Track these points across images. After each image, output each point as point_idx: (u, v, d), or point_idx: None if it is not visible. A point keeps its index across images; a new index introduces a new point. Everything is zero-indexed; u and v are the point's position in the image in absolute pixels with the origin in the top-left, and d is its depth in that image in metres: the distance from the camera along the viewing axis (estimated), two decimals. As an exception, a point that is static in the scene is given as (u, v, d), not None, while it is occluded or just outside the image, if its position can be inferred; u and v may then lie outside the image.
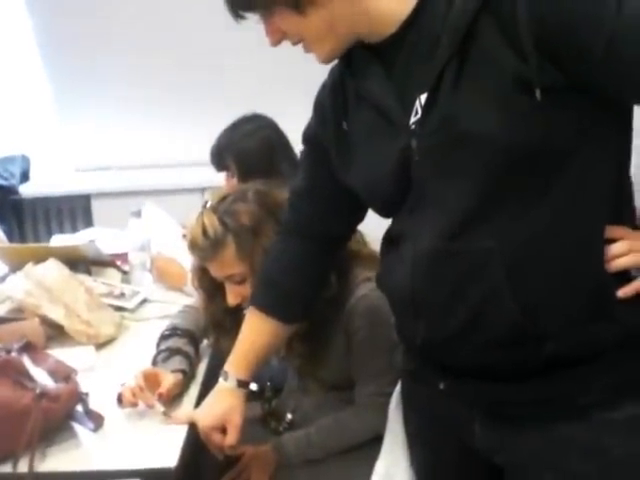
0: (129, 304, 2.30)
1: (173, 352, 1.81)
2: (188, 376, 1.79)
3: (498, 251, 1.10)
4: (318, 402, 1.84)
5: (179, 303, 2.25)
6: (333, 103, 1.31)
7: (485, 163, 1.08)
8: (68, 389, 1.58)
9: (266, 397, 1.99)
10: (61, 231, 4.05)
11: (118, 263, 2.56)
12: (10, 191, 4.01)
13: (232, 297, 1.72)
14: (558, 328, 1.12)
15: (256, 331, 1.56)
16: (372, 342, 1.71)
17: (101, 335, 2.07)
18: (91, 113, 4.02)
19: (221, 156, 2.44)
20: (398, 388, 1.54)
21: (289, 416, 1.88)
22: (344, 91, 1.29)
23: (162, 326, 2.03)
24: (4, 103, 4.05)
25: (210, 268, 1.71)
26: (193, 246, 1.69)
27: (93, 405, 1.68)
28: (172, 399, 1.71)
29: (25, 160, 4.16)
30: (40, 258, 2.27)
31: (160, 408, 1.65)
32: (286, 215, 1.53)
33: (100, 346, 2.06)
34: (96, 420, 1.63)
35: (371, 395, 1.74)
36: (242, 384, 1.58)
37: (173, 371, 1.74)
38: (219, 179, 2.51)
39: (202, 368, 1.90)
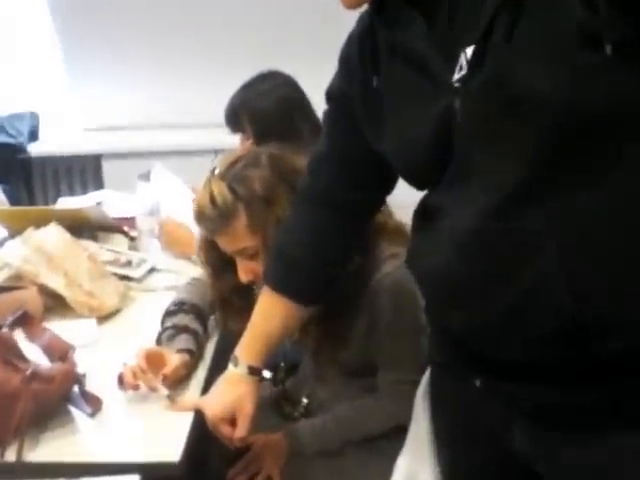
0: (135, 273, 2.16)
1: (179, 330, 1.66)
2: (195, 356, 1.64)
3: (551, 233, 0.94)
4: (335, 389, 1.70)
5: (188, 273, 2.11)
6: (361, 56, 1.15)
7: (540, 129, 0.92)
8: (63, 369, 1.44)
9: (279, 378, 1.84)
10: (71, 192, 3.91)
11: (126, 228, 2.41)
12: (18, 149, 3.86)
13: (243, 273, 1.56)
14: (619, 322, 0.96)
15: (270, 313, 1.41)
16: (398, 325, 1.56)
17: (104, 307, 1.93)
18: (102, 71, 3.88)
19: (236, 117, 2.28)
20: (426, 376, 1.40)
21: (305, 400, 1.74)
22: (374, 42, 1.12)
23: (170, 298, 1.88)
24: (14, 60, 3.90)
25: (219, 241, 1.56)
26: (200, 217, 1.53)
27: (93, 386, 1.55)
28: (178, 381, 1.57)
29: (34, 118, 4.00)
30: (42, 222, 2.12)
31: (164, 391, 1.51)
32: (304, 182, 1.37)
33: (103, 319, 1.92)
34: (93, 404, 1.49)
35: (395, 382, 1.59)
36: (254, 371, 1.44)
37: (179, 351, 1.60)
38: (234, 141, 2.35)
39: (211, 347, 1.75)
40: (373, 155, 1.19)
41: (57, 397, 1.44)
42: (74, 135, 4.07)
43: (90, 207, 2.34)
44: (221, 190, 1.50)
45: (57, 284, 1.91)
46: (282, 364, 1.83)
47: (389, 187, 1.32)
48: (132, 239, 2.37)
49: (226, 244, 1.55)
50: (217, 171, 1.53)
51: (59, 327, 1.78)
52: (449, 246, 1.04)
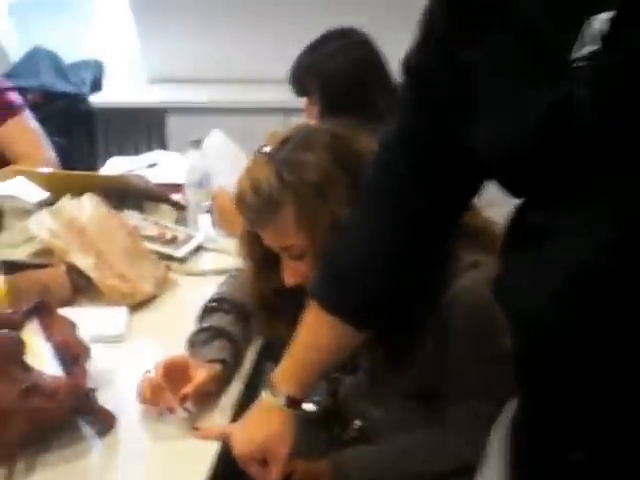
0: (178, 252, 1.91)
1: (215, 333, 1.42)
2: (229, 366, 1.39)
3: None
4: (391, 411, 1.42)
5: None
6: (450, 22, 0.86)
7: None
8: (68, 383, 1.20)
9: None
10: (135, 149, 3.70)
11: (176, 197, 2.17)
12: (80, 99, 3.64)
13: (289, 275, 1.30)
14: None
15: (317, 334, 1.15)
16: (474, 349, 1.28)
17: (137, 293, 1.70)
18: (171, 22, 3.65)
19: (302, 79, 2.00)
20: (506, 414, 1.13)
21: (358, 423, 1.47)
22: (468, 5, 0.83)
23: (217, 286, 1.64)
24: (82, 7, 3.70)
25: (262, 234, 1.29)
26: (240, 203, 1.27)
27: (113, 392, 1.34)
28: (204, 398, 1.32)
29: (98, 66, 3.78)
30: (83, 189, 1.90)
31: (183, 414, 1.27)
32: (370, 177, 1.09)
33: (136, 307, 1.68)
34: (105, 420, 1.26)
35: (466, 416, 1.31)
36: (293, 403, 1.19)
37: (210, 361, 1.35)
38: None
39: (251, 354, 1.50)
40: (458, 147, 0.91)
41: (59, 415, 1.21)
42: (139, 87, 3.85)
43: (134, 175, 2.10)
44: (267, 175, 1.23)
45: (86, 264, 1.68)
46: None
47: (476, 190, 1.04)
48: (181, 208, 2.13)
49: (270, 239, 1.29)
50: (264, 150, 1.26)
51: (85, 314, 1.56)
52: (560, 279, 0.76)
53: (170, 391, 1.27)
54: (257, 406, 1.21)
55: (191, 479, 1.17)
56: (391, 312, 1.13)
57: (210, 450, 1.23)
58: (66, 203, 1.81)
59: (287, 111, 3.28)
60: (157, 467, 1.22)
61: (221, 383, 1.36)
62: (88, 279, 1.68)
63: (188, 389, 1.27)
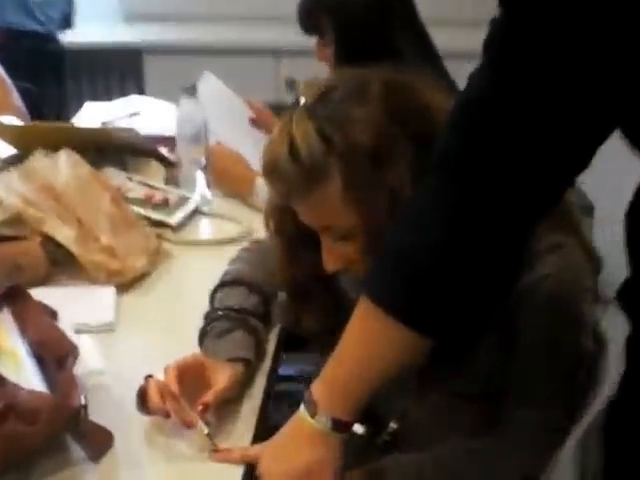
0: (172, 218, 1.64)
1: (234, 323, 1.17)
2: (252, 366, 1.15)
3: None
4: (438, 414, 1.18)
5: (245, 221, 1.61)
6: None
7: None
8: (53, 403, 0.94)
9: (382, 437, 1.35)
10: (108, 93, 3.40)
11: (163, 151, 1.89)
12: (47, 38, 3.32)
13: (331, 260, 1.04)
14: None
15: (377, 345, 0.90)
16: (550, 350, 1.05)
17: (127, 270, 1.43)
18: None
19: (313, 14, 1.72)
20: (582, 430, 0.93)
21: (393, 426, 1.23)
22: None
23: (220, 258, 1.38)
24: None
25: (298, 210, 1.03)
26: (272, 172, 1.01)
27: (107, 399, 1.10)
28: (223, 406, 1.07)
29: (68, 2, 3.45)
30: (57, 142, 1.61)
31: (203, 429, 1.02)
32: (445, 143, 0.83)
33: (126, 287, 1.42)
34: (98, 441, 1.01)
35: (535, 427, 1.08)
36: (341, 426, 0.94)
37: (230, 360, 1.10)
38: (300, 41, 1.81)
39: (271, 341, 1.25)
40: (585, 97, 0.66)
41: (40, 441, 0.95)
42: (113, 25, 3.58)
43: (120, 128, 1.81)
44: (307, 135, 0.97)
45: (66, 235, 1.41)
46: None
47: (590, 158, 0.78)
48: (170, 165, 1.85)
49: (308, 215, 1.03)
50: (302, 104, 0.99)
51: (65, 298, 1.30)
52: None
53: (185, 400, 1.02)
54: (292, 426, 0.97)
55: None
56: (472, 318, 0.88)
57: (235, 475, 0.99)
58: (39, 162, 1.53)
59: (277, 53, 3.03)
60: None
61: (243, 386, 1.11)
62: (68, 254, 1.41)
63: (209, 398, 1.03)
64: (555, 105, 0.73)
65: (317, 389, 0.94)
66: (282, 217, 1.08)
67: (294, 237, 1.09)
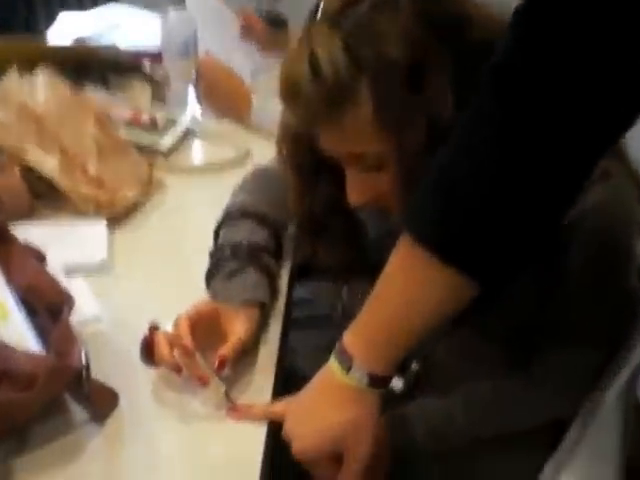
0: (162, 142, 1.51)
1: (245, 261, 1.05)
2: (268, 310, 1.04)
3: None
4: (466, 351, 1.08)
5: (241, 143, 1.48)
6: None
7: None
8: (51, 366, 0.83)
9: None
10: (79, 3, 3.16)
11: (148, 66, 1.74)
12: None
13: (355, 193, 0.92)
14: None
15: (420, 292, 0.79)
16: (596, 287, 0.95)
17: (118, 201, 1.31)
18: None
19: None
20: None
21: (415, 366, 1.13)
22: None
23: (218, 185, 1.26)
24: None
25: (320, 136, 0.90)
26: (291, 93, 0.87)
27: (107, 351, 0.98)
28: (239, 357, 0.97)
29: None
30: (30, 61, 1.46)
31: (220, 386, 0.91)
32: (503, 54, 0.70)
33: (116, 221, 1.29)
34: (102, 401, 0.90)
35: (571, 367, 0.99)
36: (379, 382, 0.84)
37: (244, 302, 0.99)
38: None
39: (284, 277, 1.14)
40: None
41: (38, 407, 0.84)
42: None
43: (102, 46, 1.66)
44: (331, 51, 0.83)
45: (49, 165, 1.28)
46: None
47: None
48: (157, 83, 1.70)
49: (332, 143, 0.90)
50: (322, 14, 0.85)
51: (50, 233, 1.19)
52: None
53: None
54: (322, 381, 0.86)
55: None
56: (524, 254, 0.77)
57: (257, 435, 0.89)
58: (13, 83, 1.38)
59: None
60: (182, 465, 0.87)
61: (259, 332, 1.01)
62: (52, 186, 1.28)
63: (226, 351, 0.92)
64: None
65: (350, 341, 0.83)
66: (298, 144, 0.95)
67: (312, 166, 0.96)
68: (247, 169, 1.31)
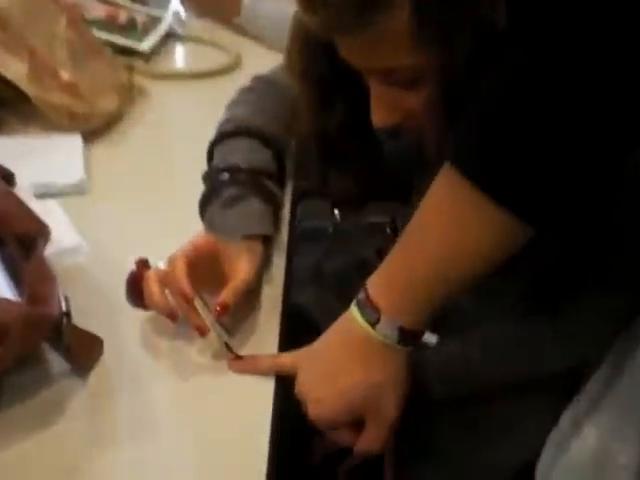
0: (142, 43, 1.35)
1: (247, 188, 0.91)
2: (271, 243, 0.92)
3: None
4: (485, 292, 0.97)
5: (231, 47, 1.33)
6: None
7: None
8: (26, 314, 0.70)
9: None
10: None
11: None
12: None
13: (381, 112, 0.78)
14: None
15: (463, 227, 0.66)
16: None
17: (95, 113, 1.16)
18: None
19: None
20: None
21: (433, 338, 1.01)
22: None
23: (206, 94, 1.13)
24: None
25: (344, 46, 0.76)
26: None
27: (86, 289, 0.86)
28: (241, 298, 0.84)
29: None
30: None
31: (222, 336, 0.80)
32: None
33: (94, 136, 1.15)
34: (84, 354, 0.78)
35: (603, 309, 0.88)
36: (410, 337, 0.72)
37: (245, 237, 0.86)
38: None
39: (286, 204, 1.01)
40: None
41: (14, 359, 0.72)
42: None
43: None
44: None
45: (16, 72, 1.12)
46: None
47: None
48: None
49: (358, 54, 0.75)
50: None
51: (19, 149, 1.06)
52: None
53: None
54: (341, 334, 0.74)
55: (244, 449, 0.72)
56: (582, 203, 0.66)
57: (264, 391, 0.77)
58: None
59: None
60: (177, 423, 0.76)
61: (262, 271, 0.88)
62: (20, 94, 1.13)
63: (227, 296, 0.79)
64: None
65: (378, 290, 0.71)
66: (315, 54, 0.80)
67: (330, 80, 0.82)
68: (238, 76, 1.17)
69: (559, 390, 0.92)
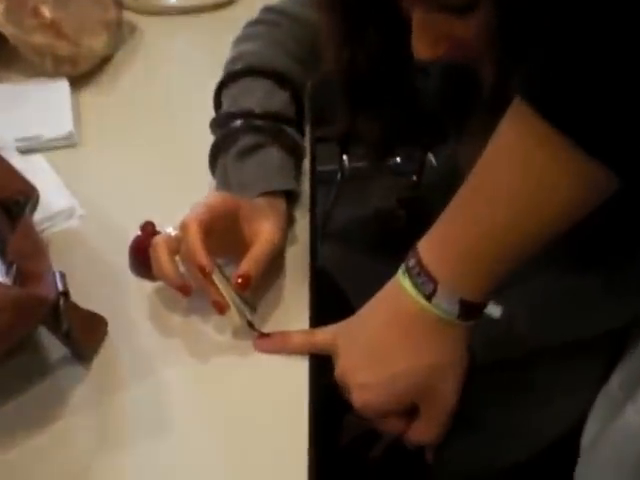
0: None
1: (262, 136, 0.79)
2: (295, 199, 0.81)
3: None
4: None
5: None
6: None
7: None
8: (15, 299, 0.59)
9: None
10: None
11: None
12: None
13: (425, 42, 0.66)
14: None
15: (545, 180, 0.54)
16: None
17: (82, 56, 1.03)
18: None
19: None
20: None
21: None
22: None
23: (205, 31, 1.02)
24: None
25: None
26: None
27: (82, 257, 0.76)
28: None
29: None
30: None
31: (244, 312, 0.68)
32: None
33: (82, 81, 1.02)
34: (85, 338, 0.67)
35: None
36: (472, 311, 0.61)
37: (266, 194, 0.75)
38: None
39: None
40: None
41: (5, 350, 0.61)
42: None
43: None
44: None
45: (-9, 10, 0.99)
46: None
47: None
48: None
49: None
50: None
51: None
52: None
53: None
54: (389, 307, 0.63)
55: (279, 437, 0.62)
56: None
57: (296, 375, 0.67)
58: None
59: None
60: (196, 415, 0.65)
61: (286, 233, 0.77)
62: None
63: (249, 265, 0.68)
64: None
65: (433, 255, 0.60)
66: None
67: (360, 9, 0.70)
68: (235, 11, 1.04)
69: (601, 352, 0.83)
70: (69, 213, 0.81)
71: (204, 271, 0.65)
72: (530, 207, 0.56)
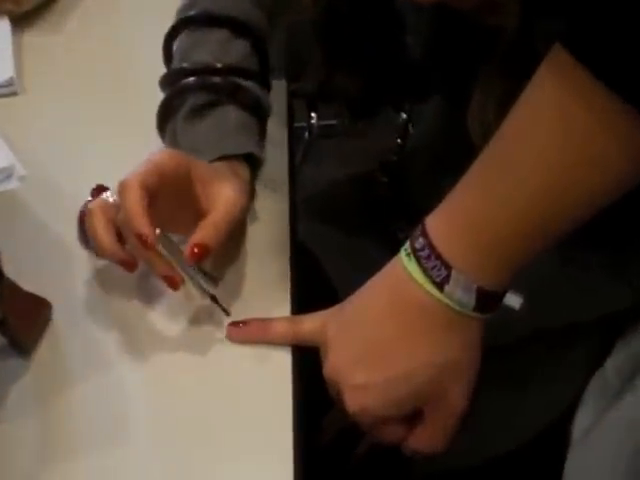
0: None
1: (217, 93, 0.68)
2: (258, 165, 0.69)
3: None
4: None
5: None
6: None
7: None
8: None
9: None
10: None
11: None
12: None
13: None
14: None
15: (587, 150, 0.44)
16: None
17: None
18: None
19: None
20: None
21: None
22: None
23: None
24: None
25: None
26: None
27: (21, 227, 0.66)
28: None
29: None
30: None
31: (205, 288, 0.58)
32: None
33: (23, 22, 0.90)
34: (25, 327, 0.57)
35: None
36: (490, 301, 0.51)
37: (222, 160, 0.64)
38: None
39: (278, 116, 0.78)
40: None
41: None
42: None
43: None
44: None
45: None
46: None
47: None
48: None
49: None
50: None
51: None
52: None
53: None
54: (392, 295, 0.53)
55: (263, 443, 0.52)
56: None
57: (280, 370, 0.57)
58: None
59: None
60: (154, 417, 0.55)
61: (248, 204, 0.66)
62: None
63: (206, 233, 0.57)
64: None
65: (445, 235, 0.50)
66: None
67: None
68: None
69: (595, 339, 0.76)
70: (8, 173, 0.70)
71: (145, 241, 0.54)
72: (569, 185, 0.46)
